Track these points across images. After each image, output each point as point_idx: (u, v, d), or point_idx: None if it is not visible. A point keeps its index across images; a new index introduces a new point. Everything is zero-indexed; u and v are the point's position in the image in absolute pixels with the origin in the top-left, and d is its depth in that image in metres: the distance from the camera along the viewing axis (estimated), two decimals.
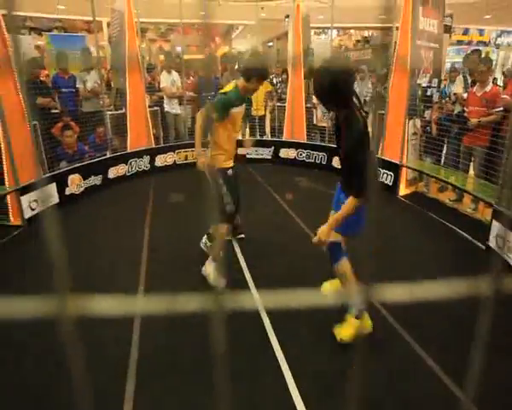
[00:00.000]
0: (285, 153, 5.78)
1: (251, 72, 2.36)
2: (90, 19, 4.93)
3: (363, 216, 1.69)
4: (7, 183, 3.39)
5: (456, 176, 3.96)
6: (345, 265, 1.92)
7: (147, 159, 5.18)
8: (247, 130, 6.18)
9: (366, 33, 13.86)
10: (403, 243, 3.20)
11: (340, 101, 1.69)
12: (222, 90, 2.49)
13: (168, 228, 3.47)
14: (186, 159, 5.60)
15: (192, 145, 5.67)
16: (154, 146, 5.32)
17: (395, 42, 4.26)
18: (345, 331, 1.94)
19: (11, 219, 3.41)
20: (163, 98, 5.55)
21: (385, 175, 4.51)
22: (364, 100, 5.56)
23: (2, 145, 3.42)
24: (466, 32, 12.68)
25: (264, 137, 6.09)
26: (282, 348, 1.96)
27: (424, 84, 4.44)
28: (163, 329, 2.06)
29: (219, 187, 2.47)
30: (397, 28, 4.22)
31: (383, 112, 4.65)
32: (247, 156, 5.84)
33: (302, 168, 5.49)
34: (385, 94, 4.59)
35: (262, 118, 6.11)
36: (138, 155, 5.08)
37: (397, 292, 0.31)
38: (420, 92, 4.44)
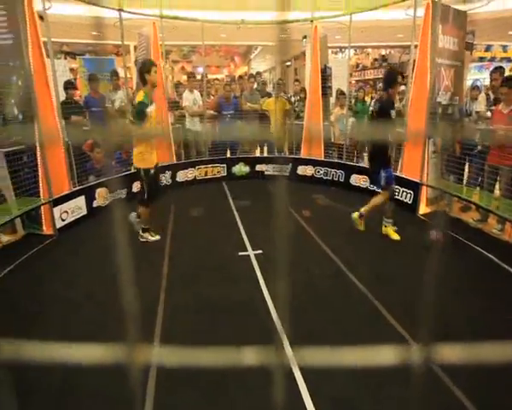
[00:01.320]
0: (303, 170, 5.86)
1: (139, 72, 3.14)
2: (119, 43, 5.27)
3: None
4: (41, 195, 3.63)
5: (480, 195, 3.88)
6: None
7: (168, 174, 5.39)
8: (265, 147, 6.33)
9: (383, 52, 13.99)
10: (420, 262, 3.12)
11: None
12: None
13: (188, 239, 3.59)
14: (206, 174, 5.78)
15: (212, 162, 5.89)
16: (175, 162, 5.54)
17: (414, 60, 4.32)
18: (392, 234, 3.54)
19: (44, 228, 3.62)
20: (185, 116, 5.80)
21: (404, 193, 4.48)
22: None
23: (39, 160, 3.68)
24: (488, 48, 12.56)
25: (282, 154, 6.21)
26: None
27: (444, 102, 4.43)
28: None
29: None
30: (415, 46, 4.27)
31: (401, 130, 4.68)
32: (266, 173, 5.97)
33: (319, 185, 5.54)
34: (404, 111, 4.63)
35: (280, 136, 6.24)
36: (161, 170, 5.27)
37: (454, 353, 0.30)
38: (440, 110, 4.43)
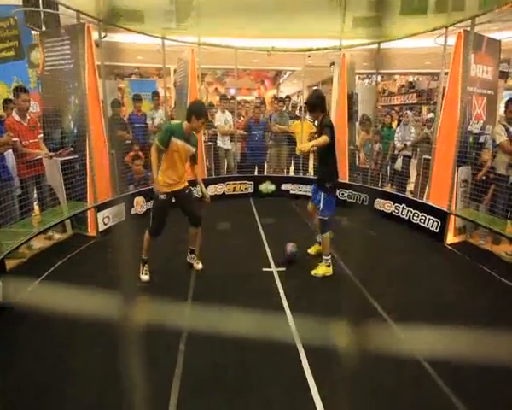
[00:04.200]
0: None
1: (188, 112, 2.92)
2: (161, 66, 5.77)
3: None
4: (88, 200, 4.02)
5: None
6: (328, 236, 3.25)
7: (199, 188, 5.69)
8: (292, 168, 6.54)
9: (411, 78, 14.08)
10: (453, 297, 2.99)
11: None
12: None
13: (214, 252, 3.76)
14: (234, 190, 6.05)
15: (241, 178, 6.17)
16: (206, 177, 5.87)
17: (444, 87, 4.32)
18: (319, 271, 3.29)
19: (89, 230, 3.99)
20: (217, 134, 6.17)
21: (430, 221, 4.41)
22: (405, 144, 5.69)
23: (88, 169, 4.09)
24: None
25: (307, 175, 6.39)
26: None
27: (476, 131, 4.34)
28: (209, 344, 2.22)
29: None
30: (446, 74, 4.27)
31: (428, 157, 4.71)
32: (291, 192, 6.15)
33: (343, 208, 5.60)
34: (431, 137, 4.61)
35: (306, 157, 6.45)
36: (192, 183, 5.61)
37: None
38: (471, 139, 4.31)
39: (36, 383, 1.97)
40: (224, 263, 3.54)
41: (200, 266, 3.40)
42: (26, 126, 3.71)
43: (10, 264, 3.16)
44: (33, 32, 4.98)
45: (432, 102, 11.17)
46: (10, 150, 3.57)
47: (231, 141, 6.18)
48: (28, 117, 3.78)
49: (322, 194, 3.21)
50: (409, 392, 1.98)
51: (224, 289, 3.03)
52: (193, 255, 3.42)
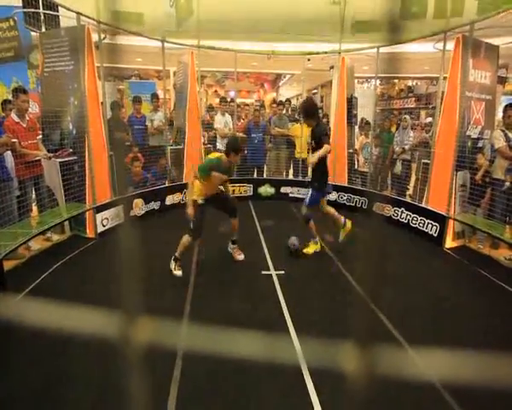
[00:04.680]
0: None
1: (227, 148, 3.29)
2: (161, 68, 5.78)
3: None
4: (87, 201, 4.00)
5: (510, 232, 3.70)
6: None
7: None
8: (291, 171, 6.55)
9: (410, 83, 14.16)
10: (453, 301, 2.98)
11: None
12: (210, 156, 3.50)
13: (213, 254, 3.76)
14: (233, 193, 6.04)
15: (238, 181, 6.16)
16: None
17: (442, 92, 4.34)
18: (310, 249, 3.79)
19: (87, 231, 3.97)
20: (216, 137, 6.18)
21: (429, 225, 4.42)
22: (403, 148, 5.70)
23: (87, 170, 4.08)
24: None
25: (306, 179, 6.40)
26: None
27: (474, 136, 4.35)
28: (207, 350, 2.24)
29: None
30: (444, 78, 4.29)
31: (427, 161, 4.73)
32: (290, 195, 6.16)
33: (342, 211, 5.59)
34: (430, 142, 4.63)
35: (305, 161, 6.47)
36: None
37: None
38: (470, 144, 4.33)
39: (32, 390, 1.94)
40: (224, 265, 3.53)
41: (241, 257, 3.68)
42: (24, 127, 3.69)
43: (9, 265, 3.14)
44: (33, 33, 4.98)
45: (430, 107, 11.23)
46: (9, 151, 3.56)
47: None
48: (27, 118, 3.77)
49: (311, 191, 3.73)
50: (410, 400, 1.97)
51: (223, 291, 3.02)
52: (234, 246, 3.74)
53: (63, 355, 2.20)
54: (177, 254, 3.34)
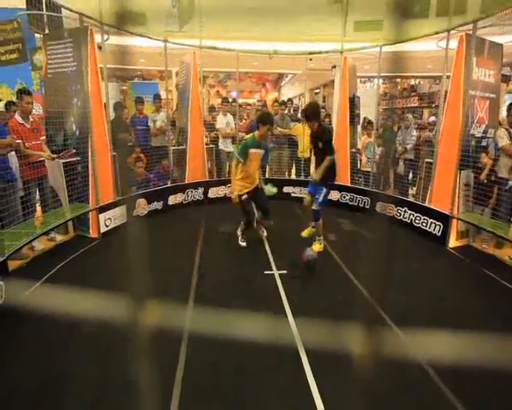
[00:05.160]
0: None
1: (256, 121, 3.79)
2: (163, 69, 5.80)
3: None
4: (90, 202, 4.03)
5: None
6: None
7: (201, 190, 5.73)
8: (293, 170, 6.54)
9: (412, 82, 14.10)
10: (456, 301, 2.97)
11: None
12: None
13: (216, 254, 3.77)
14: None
15: None
16: (208, 179, 5.88)
17: (446, 91, 4.31)
18: (315, 248, 3.75)
19: (91, 231, 4.00)
20: (218, 137, 6.18)
21: (432, 225, 4.40)
22: (405, 148, 5.67)
23: (90, 171, 4.11)
24: None
25: (309, 178, 6.39)
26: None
27: (478, 135, 4.31)
28: (210, 348, 2.20)
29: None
30: (447, 77, 4.27)
31: (430, 160, 4.70)
32: (293, 195, 6.15)
33: (345, 210, 5.60)
34: (433, 141, 4.61)
35: (307, 160, 6.46)
36: (194, 186, 5.66)
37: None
38: (473, 143, 4.29)
39: (34, 385, 1.96)
40: (226, 265, 3.54)
41: (265, 233, 4.27)
42: (28, 128, 3.72)
43: (13, 265, 3.16)
44: (37, 34, 5.01)
45: (434, 106, 11.17)
46: (13, 152, 3.59)
47: (233, 143, 6.19)
48: (31, 119, 3.80)
49: (324, 189, 3.77)
50: (410, 395, 1.96)
51: (226, 291, 3.03)
52: (263, 229, 4.27)
53: (66, 350, 2.22)
54: (239, 230, 4.04)
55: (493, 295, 3.06)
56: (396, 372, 2.06)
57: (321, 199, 3.73)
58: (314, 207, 3.77)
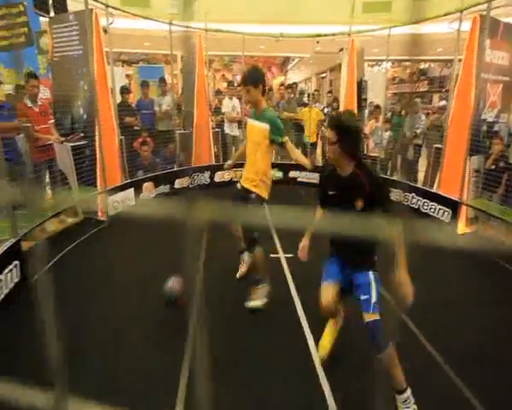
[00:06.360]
0: None
1: None
2: (168, 52, 5.76)
3: None
4: (98, 185, 4.09)
5: None
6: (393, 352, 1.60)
7: (207, 174, 5.77)
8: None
9: (422, 65, 13.73)
10: (462, 288, 2.98)
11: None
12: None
13: (222, 237, 3.78)
14: (241, 177, 6.07)
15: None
16: (214, 163, 5.90)
17: (457, 74, 4.21)
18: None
19: (99, 214, 4.09)
20: (224, 121, 6.17)
21: (440, 211, 4.35)
22: (415, 132, 5.59)
23: (98, 155, 4.15)
24: None
25: (315, 163, 6.37)
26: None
27: (490, 119, 4.20)
28: (218, 329, 2.27)
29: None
30: (459, 60, 4.16)
31: (440, 146, 4.63)
32: (299, 180, 6.16)
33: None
34: (443, 125, 4.51)
35: (313, 145, 6.42)
36: (200, 170, 5.69)
37: None
38: (485, 128, 4.18)
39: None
40: (231, 248, 3.58)
41: (242, 267, 3.14)
42: (37, 112, 3.77)
43: (26, 245, 3.26)
44: (42, 18, 4.99)
45: (444, 90, 10.90)
46: (21, 135, 3.64)
47: (239, 128, 6.17)
48: (39, 103, 3.83)
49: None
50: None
51: (231, 275, 3.04)
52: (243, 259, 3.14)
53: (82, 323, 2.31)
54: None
55: (502, 282, 3.04)
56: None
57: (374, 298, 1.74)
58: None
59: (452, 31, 4.41)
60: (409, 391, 1.66)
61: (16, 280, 2.67)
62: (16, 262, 2.69)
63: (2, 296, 2.47)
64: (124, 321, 2.37)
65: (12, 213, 2.80)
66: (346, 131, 1.67)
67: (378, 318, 1.65)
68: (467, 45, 4.01)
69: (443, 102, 6.12)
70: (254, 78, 2.40)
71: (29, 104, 3.72)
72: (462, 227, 4.13)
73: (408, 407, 1.66)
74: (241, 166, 2.85)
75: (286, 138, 2.49)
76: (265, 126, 2.40)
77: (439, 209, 4.38)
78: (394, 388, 1.66)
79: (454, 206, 4.16)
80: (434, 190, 4.60)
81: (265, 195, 2.58)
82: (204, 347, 0.29)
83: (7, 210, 2.83)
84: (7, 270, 2.57)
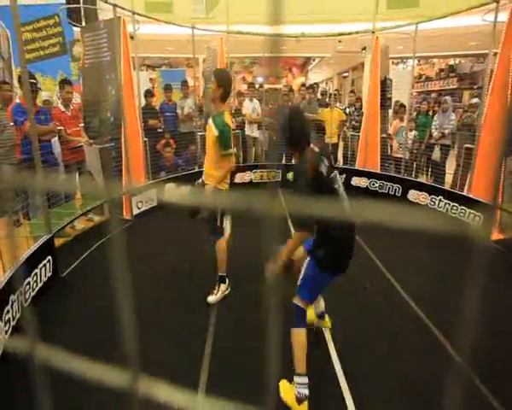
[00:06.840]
0: (356, 181, 5.86)
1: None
2: (190, 56, 5.89)
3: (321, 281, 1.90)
4: (124, 185, 4.27)
5: None
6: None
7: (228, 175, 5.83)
8: None
9: (452, 61, 13.15)
10: (498, 298, 2.77)
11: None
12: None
13: (240, 235, 3.82)
14: (261, 178, 6.10)
15: (268, 167, 6.20)
16: (234, 164, 5.97)
17: (491, 70, 3.99)
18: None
19: (124, 213, 4.27)
20: (245, 122, 6.23)
21: (471, 215, 4.16)
22: (442, 133, 5.36)
23: (123, 156, 4.34)
24: None
25: (336, 165, 6.28)
26: None
27: None
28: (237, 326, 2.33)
29: None
30: (494, 54, 3.96)
31: (470, 146, 4.42)
32: None
33: (374, 198, 5.46)
34: (475, 125, 4.29)
35: (335, 145, 6.33)
36: None
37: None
38: None
39: (84, 343, 2.17)
40: (249, 250, 3.60)
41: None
42: (69, 116, 4.00)
43: (58, 242, 3.47)
44: (75, 27, 5.29)
45: (475, 87, 10.38)
46: (56, 138, 3.89)
47: (259, 129, 6.21)
48: (71, 107, 4.07)
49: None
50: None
51: (250, 274, 3.08)
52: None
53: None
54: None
55: None
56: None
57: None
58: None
59: (486, 23, 4.17)
60: (306, 379, 1.76)
61: (49, 275, 2.85)
62: (49, 257, 2.88)
63: (37, 289, 2.64)
64: (152, 310, 2.47)
65: (47, 211, 2.99)
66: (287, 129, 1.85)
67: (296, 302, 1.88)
68: (504, 38, 3.79)
69: (475, 100, 5.82)
70: (219, 77, 2.42)
71: (62, 109, 3.96)
72: (495, 233, 3.90)
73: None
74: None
75: (230, 151, 2.50)
76: (215, 132, 2.42)
77: (469, 213, 4.18)
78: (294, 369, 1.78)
79: (486, 210, 3.92)
80: (464, 193, 4.38)
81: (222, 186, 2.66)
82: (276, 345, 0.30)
83: (43, 208, 3.02)
84: (41, 264, 2.75)
